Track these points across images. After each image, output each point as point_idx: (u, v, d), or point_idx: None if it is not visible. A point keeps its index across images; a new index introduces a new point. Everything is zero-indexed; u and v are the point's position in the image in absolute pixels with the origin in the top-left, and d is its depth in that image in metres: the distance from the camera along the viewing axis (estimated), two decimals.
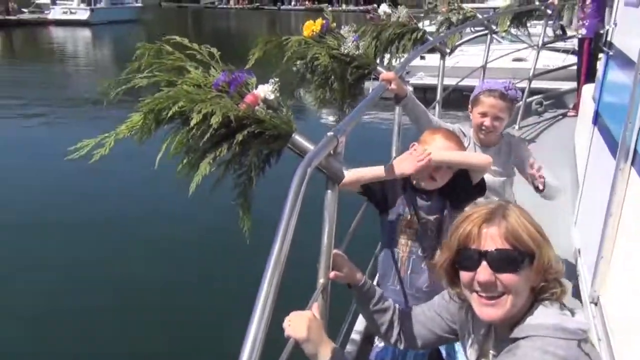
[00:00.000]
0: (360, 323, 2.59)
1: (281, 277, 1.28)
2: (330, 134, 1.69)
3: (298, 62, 2.94)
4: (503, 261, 1.30)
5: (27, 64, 26.57)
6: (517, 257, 1.30)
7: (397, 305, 1.83)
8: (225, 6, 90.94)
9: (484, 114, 2.72)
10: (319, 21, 2.88)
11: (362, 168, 2.12)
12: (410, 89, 2.84)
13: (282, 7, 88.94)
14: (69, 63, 27.80)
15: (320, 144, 1.64)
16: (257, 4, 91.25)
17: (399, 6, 4.15)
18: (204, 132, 1.62)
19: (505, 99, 2.70)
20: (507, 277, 1.30)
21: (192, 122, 1.60)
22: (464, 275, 1.36)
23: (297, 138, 1.75)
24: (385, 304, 1.79)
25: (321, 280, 1.71)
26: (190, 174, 1.72)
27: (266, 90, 1.78)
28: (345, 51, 2.82)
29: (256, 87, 1.82)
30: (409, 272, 2.35)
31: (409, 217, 2.33)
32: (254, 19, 70.39)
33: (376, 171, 2.16)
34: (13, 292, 5.89)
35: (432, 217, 2.31)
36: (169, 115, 1.62)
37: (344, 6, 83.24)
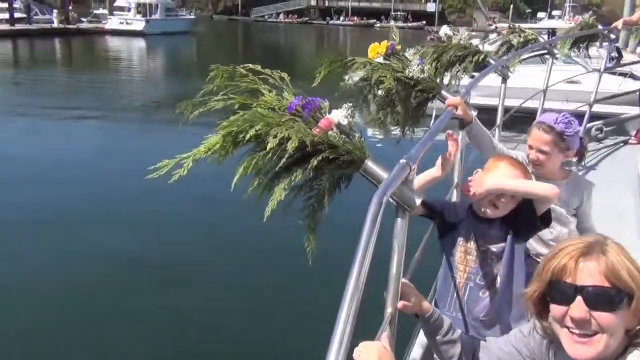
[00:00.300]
0: (417, 352, 2.54)
1: (358, 308, 1.28)
2: (402, 161, 1.68)
3: (361, 83, 2.95)
4: (600, 299, 1.24)
5: (84, 71, 27.59)
6: (615, 296, 1.24)
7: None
8: (275, 20, 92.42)
9: (530, 147, 2.68)
10: (385, 43, 2.87)
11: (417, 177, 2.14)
12: (474, 113, 2.80)
13: (331, 22, 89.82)
14: (124, 72, 28.73)
15: (393, 172, 1.63)
16: (307, 19, 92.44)
17: (460, 28, 4.12)
18: (280, 157, 1.63)
19: (551, 132, 2.62)
20: (603, 317, 1.24)
21: (269, 147, 1.62)
22: (556, 310, 1.31)
23: (370, 165, 1.74)
24: (455, 335, 1.76)
25: (389, 310, 1.69)
26: (262, 197, 1.73)
27: (340, 116, 1.78)
28: (410, 75, 2.81)
29: (330, 112, 1.82)
30: (465, 299, 2.30)
31: (468, 243, 2.29)
32: (302, 33, 71.29)
33: (429, 174, 2.22)
34: (85, 295, 6.04)
35: (493, 246, 2.26)
36: (246, 138, 1.64)
37: (392, 23, 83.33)
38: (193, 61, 37.85)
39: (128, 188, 9.24)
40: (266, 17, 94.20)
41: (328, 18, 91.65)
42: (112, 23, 48.47)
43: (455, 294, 2.32)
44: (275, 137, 1.63)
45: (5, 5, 43.82)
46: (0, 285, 6.19)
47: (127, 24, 47.79)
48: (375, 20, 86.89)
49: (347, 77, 3.02)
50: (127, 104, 18.06)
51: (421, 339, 2.50)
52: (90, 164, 10.97)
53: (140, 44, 42.91)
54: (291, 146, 1.61)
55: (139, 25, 47.58)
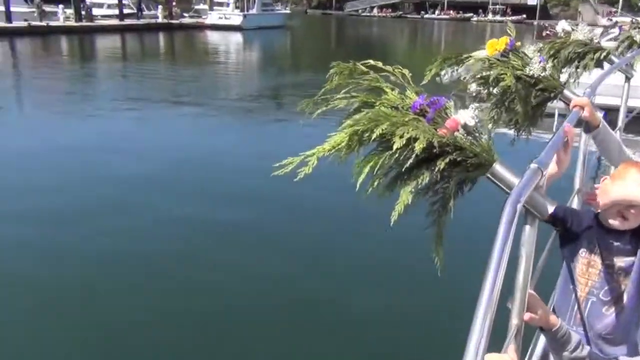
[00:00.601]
0: None
1: (492, 321, 1.23)
2: (534, 166, 1.60)
3: (474, 80, 2.84)
4: None
5: (186, 64, 28.84)
6: None
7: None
8: (368, 14, 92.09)
9: None
10: (503, 39, 2.75)
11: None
12: (600, 114, 2.61)
13: (426, 16, 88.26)
14: (222, 65, 29.74)
15: (525, 177, 1.55)
16: (400, 13, 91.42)
17: (579, 23, 3.88)
18: (407, 157, 1.60)
19: None
20: None
21: (395, 146, 1.58)
22: None
23: (498, 168, 1.66)
24: (584, 351, 1.66)
25: (515, 322, 1.61)
26: (383, 198, 1.70)
27: (467, 116, 1.71)
28: (531, 72, 2.67)
29: (455, 112, 1.76)
30: (585, 314, 2.16)
31: (592, 255, 2.14)
32: (396, 27, 70.59)
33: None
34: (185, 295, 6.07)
35: (619, 260, 2.10)
36: (371, 138, 1.62)
37: (490, 16, 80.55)
38: (287, 54, 38.57)
39: (230, 179, 9.57)
40: (360, 10, 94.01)
41: (422, 12, 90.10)
42: (212, 18, 50.29)
43: (575, 308, 2.19)
44: (402, 137, 1.59)
45: (115, 1, 46.63)
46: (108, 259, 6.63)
47: (226, 18, 49.39)
48: (471, 14, 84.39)
49: (442, 72, 2.92)
50: (225, 96, 18.68)
51: (537, 352, 2.38)
52: (191, 154, 11.43)
53: (237, 38, 44.24)
54: (418, 147, 1.57)
55: (236, 19, 49.04)
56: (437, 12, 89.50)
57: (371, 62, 1.99)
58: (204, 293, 5.99)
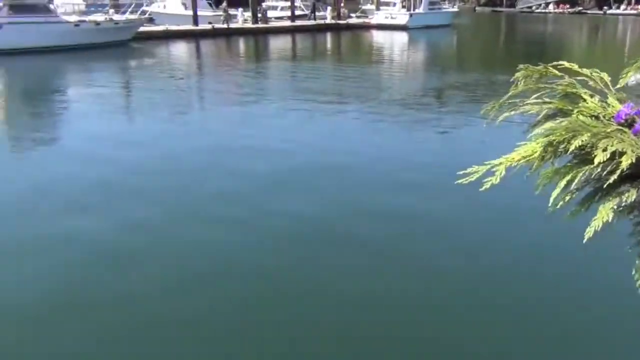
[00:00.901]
0: None
1: None
2: None
3: None
4: None
5: (351, 63, 29.52)
6: None
7: None
8: (543, 10, 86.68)
9: None
10: None
11: None
12: None
13: (609, 11, 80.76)
14: (385, 64, 29.98)
15: None
16: (580, 8, 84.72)
17: None
18: (609, 172, 1.45)
19: None
20: None
21: (596, 160, 1.44)
22: None
23: None
24: None
25: None
26: (575, 215, 1.56)
27: None
28: None
29: None
30: None
31: None
32: (574, 24, 65.61)
33: None
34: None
35: None
36: (569, 149, 1.49)
37: None
38: (453, 54, 37.70)
39: (398, 179, 9.61)
40: (533, 7, 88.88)
41: (605, 7, 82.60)
42: (378, 18, 50.92)
43: None
44: (605, 150, 1.44)
45: (288, 3, 49.28)
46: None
47: (392, 18, 49.67)
48: None
49: (631, 75, 2.60)
50: (388, 96, 18.75)
51: None
52: (356, 152, 11.64)
53: (402, 37, 44.27)
54: (625, 162, 1.41)
55: (402, 19, 49.07)
56: (622, 6, 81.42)
57: (565, 64, 1.85)
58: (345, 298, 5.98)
